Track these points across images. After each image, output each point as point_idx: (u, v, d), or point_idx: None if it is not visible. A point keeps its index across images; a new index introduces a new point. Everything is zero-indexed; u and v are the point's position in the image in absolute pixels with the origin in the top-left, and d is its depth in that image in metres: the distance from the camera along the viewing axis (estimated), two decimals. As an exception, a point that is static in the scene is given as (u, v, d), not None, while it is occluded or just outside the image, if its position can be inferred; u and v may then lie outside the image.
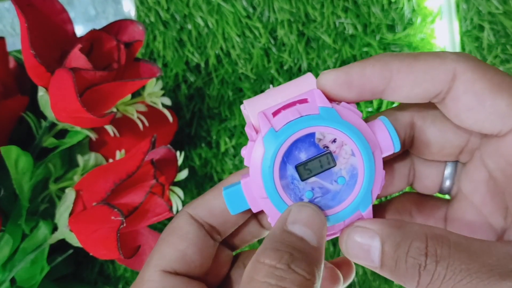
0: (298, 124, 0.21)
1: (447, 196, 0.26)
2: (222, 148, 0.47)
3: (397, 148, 0.21)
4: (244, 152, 0.22)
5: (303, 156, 0.21)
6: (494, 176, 0.22)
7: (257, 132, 0.22)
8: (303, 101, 0.21)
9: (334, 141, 0.21)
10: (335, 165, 0.21)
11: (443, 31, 0.45)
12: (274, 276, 0.18)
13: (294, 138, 0.21)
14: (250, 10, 0.48)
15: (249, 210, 0.22)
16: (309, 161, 0.21)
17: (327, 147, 0.21)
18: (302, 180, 0.21)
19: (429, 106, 0.23)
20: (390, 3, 0.46)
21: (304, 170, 0.21)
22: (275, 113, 0.21)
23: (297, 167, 0.21)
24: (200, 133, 0.48)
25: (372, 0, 0.46)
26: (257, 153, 0.21)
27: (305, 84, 0.22)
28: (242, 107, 0.23)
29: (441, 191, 0.25)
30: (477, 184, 0.23)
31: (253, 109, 0.22)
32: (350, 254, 0.20)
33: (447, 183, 0.25)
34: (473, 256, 0.18)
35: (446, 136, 0.23)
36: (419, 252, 0.19)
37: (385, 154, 0.22)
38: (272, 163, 0.21)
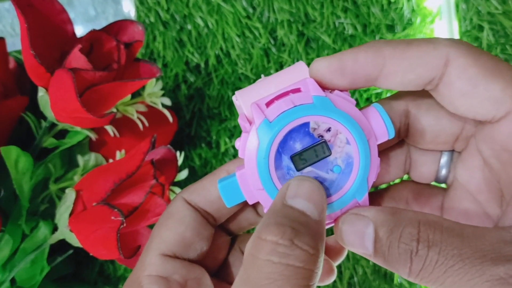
0: (292, 114, 0.20)
1: (444, 185, 0.26)
2: (222, 148, 0.47)
3: (392, 134, 0.21)
4: (238, 144, 0.21)
5: (298, 146, 0.21)
6: (489, 163, 0.22)
7: (250, 123, 0.22)
8: (296, 90, 0.21)
9: (328, 130, 0.21)
10: (330, 154, 0.21)
11: (443, 31, 0.45)
12: (277, 253, 0.18)
13: (288, 128, 0.20)
14: (250, 10, 0.48)
15: (245, 201, 0.22)
16: (304, 151, 0.21)
17: (322, 136, 0.21)
18: (298, 170, 0.21)
19: (424, 94, 0.23)
20: (389, 3, 0.46)
21: (300, 160, 0.21)
22: (268, 104, 0.21)
23: (292, 158, 0.21)
24: (200, 133, 0.48)
25: (372, 0, 0.46)
26: (251, 145, 0.21)
27: (297, 72, 0.22)
28: (234, 98, 0.22)
29: (437, 179, 0.25)
30: (472, 172, 0.23)
31: (245, 99, 0.22)
32: (345, 241, 0.20)
33: (443, 171, 0.25)
34: (465, 241, 0.18)
35: (441, 124, 0.23)
36: (411, 237, 0.18)
37: (380, 141, 0.22)
38: (267, 154, 0.20)
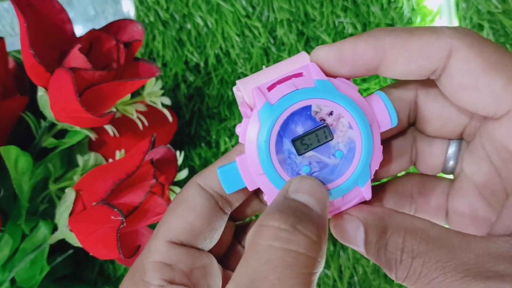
0: (294, 97, 0.20)
1: (451, 176, 0.26)
2: (222, 148, 0.47)
3: (395, 123, 0.21)
4: (238, 129, 0.21)
5: (299, 129, 0.20)
6: (491, 159, 0.22)
7: (251, 109, 0.21)
8: (298, 75, 0.21)
9: (331, 114, 0.20)
10: (332, 139, 0.21)
11: (443, 30, 0.45)
12: (279, 238, 0.17)
13: (290, 111, 0.20)
14: (250, 9, 0.48)
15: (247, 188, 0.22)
16: (306, 135, 0.20)
17: (324, 120, 0.20)
18: (299, 154, 0.21)
19: (432, 81, 0.22)
20: (389, 2, 0.46)
21: (301, 145, 0.20)
22: (270, 88, 0.21)
23: (293, 141, 0.20)
24: (200, 132, 0.48)
25: (372, -1, 0.46)
26: (252, 129, 0.21)
27: (299, 61, 0.22)
28: (234, 88, 0.22)
29: (444, 170, 0.25)
30: (479, 164, 0.23)
31: (247, 87, 0.21)
32: (339, 238, 0.21)
33: (451, 162, 0.25)
34: (450, 253, 0.18)
35: (449, 113, 0.23)
36: (396, 246, 0.19)
37: (383, 129, 0.21)
38: (268, 137, 0.20)
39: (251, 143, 0.21)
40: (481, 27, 0.45)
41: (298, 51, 0.47)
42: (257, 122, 0.20)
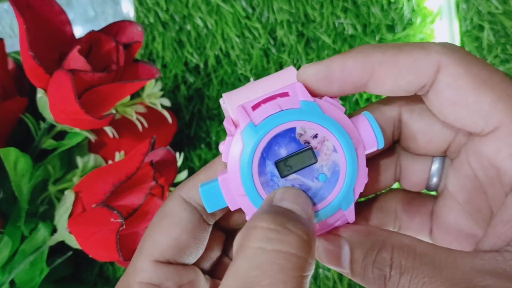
0: (278, 118, 0.20)
1: (434, 193, 0.25)
2: (222, 149, 0.47)
3: (381, 144, 0.21)
4: (222, 147, 0.21)
5: (283, 152, 0.20)
6: (477, 176, 0.22)
7: (236, 126, 0.21)
8: (284, 94, 0.21)
9: (315, 136, 0.20)
10: (316, 162, 0.20)
11: (443, 31, 0.45)
12: (269, 240, 0.17)
13: (274, 133, 0.20)
14: (250, 10, 0.47)
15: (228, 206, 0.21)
16: (289, 157, 0.20)
17: (308, 142, 0.20)
18: (282, 177, 0.20)
19: (417, 98, 0.22)
20: (389, 3, 0.46)
21: (284, 167, 0.20)
22: (254, 107, 0.20)
23: (276, 163, 0.20)
24: (200, 134, 0.48)
25: (372, 0, 0.46)
26: (235, 149, 0.20)
27: (287, 77, 0.21)
28: (221, 100, 0.22)
29: (428, 187, 0.25)
30: (463, 181, 0.23)
31: (232, 102, 0.21)
32: (323, 259, 0.21)
33: (434, 179, 0.25)
34: (437, 269, 0.18)
35: (433, 130, 0.23)
36: (385, 263, 0.19)
37: (369, 151, 0.21)
38: (250, 159, 0.20)
39: (234, 164, 0.20)
40: (481, 28, 0.45)
41: (298, 52, 0.47)
42: (240, 142, 0.20)
